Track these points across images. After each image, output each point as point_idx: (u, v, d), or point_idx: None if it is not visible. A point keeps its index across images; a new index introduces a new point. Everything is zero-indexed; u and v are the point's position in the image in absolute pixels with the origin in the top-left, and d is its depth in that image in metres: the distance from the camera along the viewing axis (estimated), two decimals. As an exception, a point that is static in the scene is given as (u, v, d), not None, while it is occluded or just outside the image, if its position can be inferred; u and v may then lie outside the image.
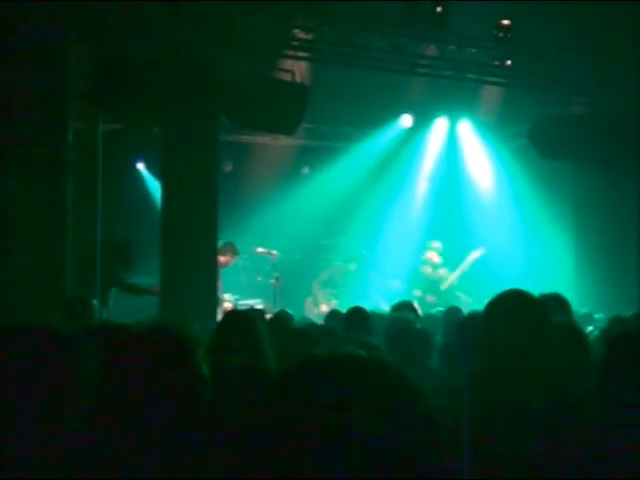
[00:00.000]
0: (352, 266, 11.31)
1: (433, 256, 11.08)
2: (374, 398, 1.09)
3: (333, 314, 6.70)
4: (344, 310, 7.70)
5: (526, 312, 2.72)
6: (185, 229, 7.93)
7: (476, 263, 10.91)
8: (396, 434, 1.08)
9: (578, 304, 7.65)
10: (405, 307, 6.34)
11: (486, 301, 2.85)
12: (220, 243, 9.69)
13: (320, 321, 6.89)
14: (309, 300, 11.03)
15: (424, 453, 1.10)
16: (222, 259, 10.03)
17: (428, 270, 11.04)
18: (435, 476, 1.10)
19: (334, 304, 10.84)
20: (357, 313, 5.67)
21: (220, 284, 9.99)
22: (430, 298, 10.68)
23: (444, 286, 10.89)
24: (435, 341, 4.20)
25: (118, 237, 8.64)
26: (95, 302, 5.96)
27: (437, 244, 11.18)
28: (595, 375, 2.62)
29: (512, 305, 2.76)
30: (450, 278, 10.91)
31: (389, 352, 3.82)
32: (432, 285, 10.97)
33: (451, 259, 11.11)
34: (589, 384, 2.68)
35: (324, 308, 10.75)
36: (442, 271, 11.02)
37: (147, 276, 8.61)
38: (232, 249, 10.07)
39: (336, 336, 4.91)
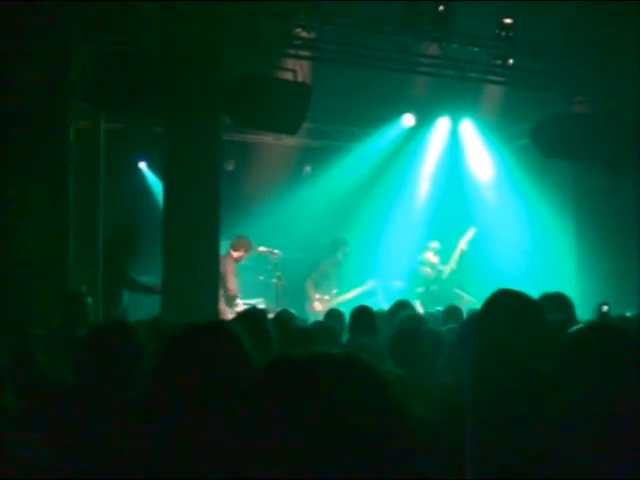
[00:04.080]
0: (339, 255, 11.23)
1: (430, 256, 11.08)
2: (348, 396, 1.11)
3: (333, 313, 6.69)
4: (345, 303, 7.70)
5: (521, 312, 2.71)
6: (187, 228, 7.93)
7: (472, 242, 10.95)
8: (370, 433, 1.09)
9: (579, 303, 7.64)
10: (403, 306, 6.34)
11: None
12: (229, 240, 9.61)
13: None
14: (307, 304, 10.93)
15: (396, 452, 1.11)
16: (235, 255, 9.97)
17: (427, 271, 11.05)
18: (411, 474, 1.12)
19: (333, 294, 10.85)
20: (362, 313, 5.66)
21: (237, 283, 9.91)
22: (433, 287, 10.75)
23: (446, 273, 10.92)
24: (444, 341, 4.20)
25: (123, 225, 8.66)
26: (90, 300, 5.94)
27: (435, 244, 11.17)
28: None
29: (508, 306, 2.75)
30: (449, 263, 10.94)
31: (396, 353, 3.82)
32: (433, 281, 10.99)
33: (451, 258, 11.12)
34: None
35: (317, 306, 10.74)
36: (440, 267, 11.04)
37: (149, 275, 8.61)
38: (244, 242, 10.03)
39: (336, 336, 4.92)
